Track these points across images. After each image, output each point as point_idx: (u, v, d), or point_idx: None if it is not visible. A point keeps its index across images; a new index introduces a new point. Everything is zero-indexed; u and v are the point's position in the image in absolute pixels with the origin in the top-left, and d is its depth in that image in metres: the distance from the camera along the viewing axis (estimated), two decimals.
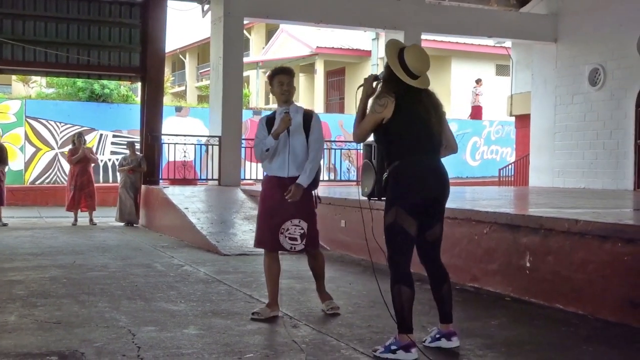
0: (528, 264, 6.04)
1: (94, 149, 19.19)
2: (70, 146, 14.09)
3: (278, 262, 5.47)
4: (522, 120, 18.93)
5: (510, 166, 20.94)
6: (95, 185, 14.20)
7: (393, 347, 4.21)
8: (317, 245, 5.52)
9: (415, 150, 4.33)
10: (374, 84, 4.51)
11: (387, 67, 4.42)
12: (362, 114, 4.45)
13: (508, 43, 19.73)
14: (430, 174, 4.35)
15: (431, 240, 4.46)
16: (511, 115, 19.79)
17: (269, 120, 5.47)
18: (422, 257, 4.51)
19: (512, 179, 20.28)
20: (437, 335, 4.49)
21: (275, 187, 5.35)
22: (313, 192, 5.45)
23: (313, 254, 5.55)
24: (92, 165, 13.95)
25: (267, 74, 5.62)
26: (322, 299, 5.58)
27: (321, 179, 15.82)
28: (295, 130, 5.35)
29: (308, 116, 5.46)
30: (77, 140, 13.74)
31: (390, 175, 4.36)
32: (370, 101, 4.46)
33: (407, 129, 4.32)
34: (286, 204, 5.24)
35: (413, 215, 4.27)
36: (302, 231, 5.29)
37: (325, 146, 17.83)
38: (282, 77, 5.38)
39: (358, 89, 4.61)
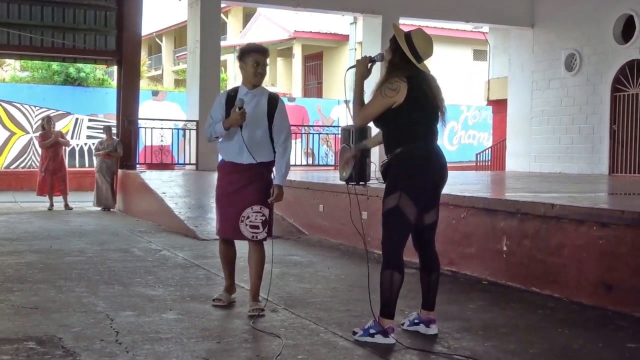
0: (505, 248, 6.10)
1: (70, 133, 19.01)
2: (40, 131, 13.92)
3: (233, 248, 5.28)
4: (499, 105, 19.05)
5: (487, 151, 21.07)
6: (72, 169, 14.09)
7: (372, 331, 4.23)
8: (271, 234, 5.10)
9: (423, 136, 4.32)
10: (369, 65, 4.42)
11: (397, 50, 4.32)
12: (359, 96, 4.37)
13: (485, 28, 19.81)
14: (434, 160, 4.35)
15: (427, 223, 4.44)
16: (488, 100, 19.90)
17: (229, 99, 5.04)
18: (417, 242, 4.51)
19: (489, 163, 20.43)
20: (416, 321, 4.51)
21: (232, 173, 5.03)
22: (273, 177, 5.07)
23: (258, 245, 5.07)
24: (65, 148, 13.80)
25: (240, 48, 5.06)
26: (250, 299, 5.07)
27: (299, 163, 15.71)
28: (258, 117, 4.95)
29: (273, 102, 5.03)
30: (47, 124, 13.55)
31: (395, 160, 4.31)
32: (366, 84, 4.38)
33: (419, 114, 4.29)
34: (245, 190, 4.97)
35: (416, 202, 4.25)
36: (263, 218, 4.97)
37: (303, 131, 17.90)
38: (258, 57, 4.94)
39: (348, 69, 4.55)
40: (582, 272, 5.39)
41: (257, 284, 5.08)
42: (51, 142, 13.27)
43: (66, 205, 13.27)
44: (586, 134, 14.87)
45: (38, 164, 14.38)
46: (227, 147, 5.06)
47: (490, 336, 4.44)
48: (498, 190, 9.40)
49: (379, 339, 4.20)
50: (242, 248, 5.73)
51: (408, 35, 4.33)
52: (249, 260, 5.13)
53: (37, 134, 14.71)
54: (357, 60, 4.48)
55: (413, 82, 4.26)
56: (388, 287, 4.25)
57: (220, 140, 5.11)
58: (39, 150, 14.16)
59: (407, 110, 4.26)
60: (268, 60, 5.12)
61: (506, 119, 17.54)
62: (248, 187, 4.97)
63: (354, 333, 4.32)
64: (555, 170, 15.35)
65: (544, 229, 5.73)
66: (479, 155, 21.30)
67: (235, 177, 5.02)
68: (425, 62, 4.41)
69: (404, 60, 4.30)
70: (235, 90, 5.14)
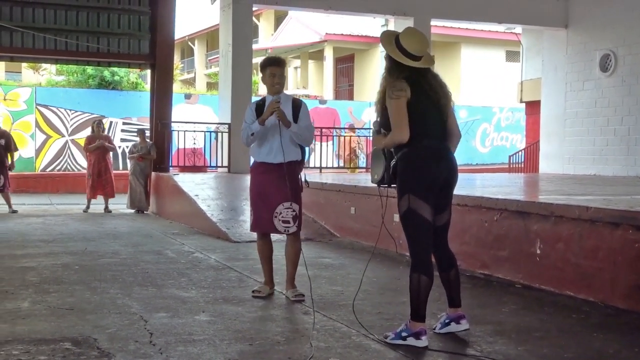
0: (538, 251, 6.04)
1: None
2: (90, 133, 14.09)
3: (270, 243, 5.74)
4: (532, 107, 18.85)
5: (520, 153, 20.88)
6: None
7: (404, 334, 4.22)
8: (301, 228, 5.62)
9: (425, 135, 4.28)
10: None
11: (388, 57, 4.39)
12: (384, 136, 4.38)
13: (518, 29, 19.64)
14: (439, 159, 4.30)
15: (440, 225, 4.44)
16: (521, 101, 19.72)
17: (258, 107, 5.55)
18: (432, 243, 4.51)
19: (522, 165, 20.23)
20: (447, 321, 4.50)
21: (265, 172, 5.50)
22: (300, 175, 5.62)
23: (295, 238, 5.63)
24: (111, 153, 13.98)
25: (260, 62, 5.71)
26: (288, 287, 5.64)
27: (330, 165, 15.86)
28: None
29: (296, 106, 5.54)
30: (97, 127, 13.80)
31: (400, 161, 4.30)
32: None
33: (418, 114, 4.26)
34: (277, 189, 5.40)
35: (426, 200, 4.23)
36: (294, 213, 5.47)
37: (334, 133, 17.92)
38: (274, 69, 5.45)
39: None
40: (618, 276, 5.31)
41: (293, 272, 5.63)
42: (95, 147, 13.45)
43: (106, 208, 13.43)
44: (621, 136, 14.64)
45: (85, 168, 14.47)
46: (260, 149, 5.53)
47: (524, 340, 4.41)
48: (531, 192, 9.31)
49: (411, 341, 4.19)
50: (276, 248, 5.80)
51: (397, 38, 4.35)
52: (286, 251, 5.65)
53: (79, 135, 14.89)
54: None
55: (410, 82, 4.27)
56: (416, 290, 4.24)
57: (253, 144, 5.54)
58: (75, 153, 14.36)
59: (411, 110, 4.25)
60: (285, 69, 5.60)
61: (539, 120, 17.36)
62: (280, 185, 5.40)
63: (386, 337, 4.31)
64: (589, 173, 15.14)
65: (578, 232, 5.67)
66: (512, 157, 21.11)
67: (268, 177, 5.47)
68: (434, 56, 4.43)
69: (396, 63, 4.33)
70: (263, 100, 5.67)
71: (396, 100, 4.25)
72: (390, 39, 4.37)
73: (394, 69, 4.35)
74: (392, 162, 4.37)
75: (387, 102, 4.30)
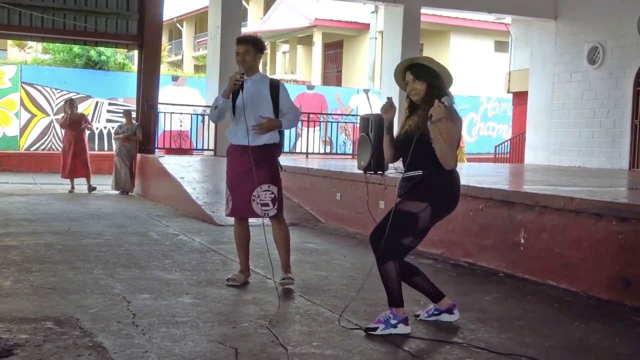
0: (522, 241, 6.07)
1: (90, 117, 19.07)
2: (62, 114, 13.96)
3: (248, 230, 5.58)
4: (520, 98, 18.91)
5: (506, 143, 20.95)
6: (91, 153, 14.12)
7: (393, 321, 4.18)
8: (282, 210, 5.46)
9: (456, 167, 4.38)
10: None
11: (440, 81, 4.30)
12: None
13: (508, 19, 19.65)
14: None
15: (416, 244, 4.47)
16: (509, 92, 19.76)
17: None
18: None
19: (508, 156, 20.30)
20: (436, 312, 4.50)
21: (240, 156, 5.38)
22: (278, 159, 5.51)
23: (278, 221, 5.47)
24: (87, 132, 13.83)
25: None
26: (281, 271, 5.48)
27: (317, 151, 15.83)
28: (261, 100, 5.34)
29: (275, 86, 5.43)
30: (69, 107, 13.58)
31: (436, 178, 4.22)
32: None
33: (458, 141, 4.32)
34: (250, 172, 5.28)
35: (433, 220, 4.28)
36: (272, 195, 5.34)
37: (321, 119, 17.89)
38: (238, 47, 5.37)
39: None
40: (600, 267, 5.35)
41: (286, 257, 5.47)
42: (63, 122, 13.34)
43: (89, 187, 13.33)
44: (607, 128, 14.72)
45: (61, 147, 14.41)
46: (234, 132, 5.46)
47: (506, 328, 4.43)
48: (517, 182, 9.35)
49: (402, 328, 4.18)
50: (257, 234, 5.78)
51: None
52: (274, 237, 5.48)
53: (60, 116, 14.77)
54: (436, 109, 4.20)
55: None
56: (393, 276, 4.23)
57: (228, 127, 5.48)
58: (59, 133, 14.19)
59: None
60: (254, 47, 5.37)
61: (526, 111, 17.40)
62: (256, 168, 5.28)
63: (372, 329, 4.19)
64: (574, 164, 15.22)
65: (563, 223, 5.70)
66: (497, 148, 21.17)
67: (244, 160, 5.35)
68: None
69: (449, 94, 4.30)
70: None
71: (457, 129, 4.22)
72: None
73: (452, 101, 4.25)
74: (408, 175, 4.27)
75: (445, 125, 4.10)
